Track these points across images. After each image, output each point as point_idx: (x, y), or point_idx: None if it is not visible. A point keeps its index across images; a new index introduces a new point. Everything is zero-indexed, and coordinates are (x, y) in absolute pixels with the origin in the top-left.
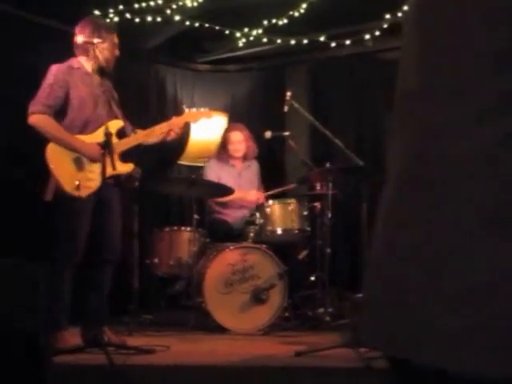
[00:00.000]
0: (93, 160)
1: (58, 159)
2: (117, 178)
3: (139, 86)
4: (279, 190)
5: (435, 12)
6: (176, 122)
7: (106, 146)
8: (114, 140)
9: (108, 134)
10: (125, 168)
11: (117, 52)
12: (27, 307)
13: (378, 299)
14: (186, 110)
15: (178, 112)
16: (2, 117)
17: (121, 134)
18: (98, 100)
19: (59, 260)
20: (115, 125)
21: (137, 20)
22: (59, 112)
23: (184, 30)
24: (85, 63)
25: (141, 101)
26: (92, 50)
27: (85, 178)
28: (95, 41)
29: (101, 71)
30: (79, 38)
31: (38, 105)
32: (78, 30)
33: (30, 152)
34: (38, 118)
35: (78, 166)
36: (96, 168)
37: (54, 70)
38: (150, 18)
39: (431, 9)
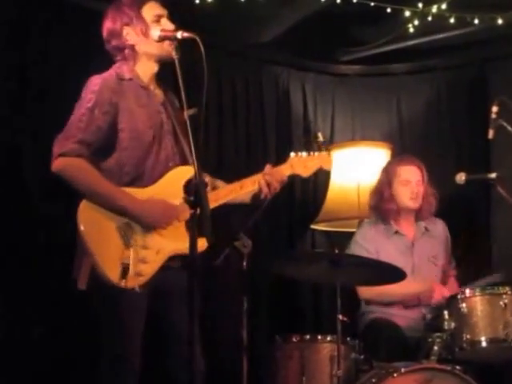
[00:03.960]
0: (154, 228)
1: (94, 226)
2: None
3: (245, 102)
4: (481, 282)
5: None
6: (275, 174)
7: (199, 203)
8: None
9: (199, 185)
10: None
11: (162, 29)
12: None
13: None
14: (292, 155)
15: (312, 142)
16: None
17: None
18: (162, 130)
19: None
20: (183, 173)
21: None
22: (99, 152)
23: (317, 13)
24: (139, 70)
25: (247, 125)
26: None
27: (135, 258)
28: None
29: (158, 78)
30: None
31: (67, 142)
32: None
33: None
34: (67, 163)
35: (126, 239)
36: (152, 242)
37: (96, 84)
38: None
39: None
